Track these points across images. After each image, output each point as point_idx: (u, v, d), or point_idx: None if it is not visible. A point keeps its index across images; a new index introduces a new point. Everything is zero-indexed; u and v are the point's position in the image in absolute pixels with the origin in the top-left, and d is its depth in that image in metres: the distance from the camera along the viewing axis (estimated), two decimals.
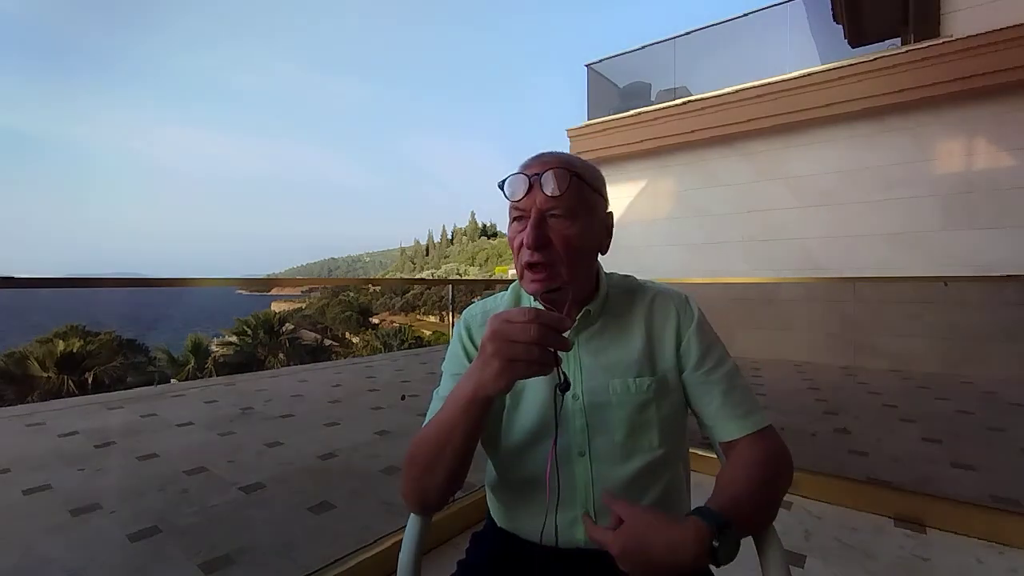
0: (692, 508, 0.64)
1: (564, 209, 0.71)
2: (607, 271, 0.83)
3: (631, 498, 0.72)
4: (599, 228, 0.76)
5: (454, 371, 0.79)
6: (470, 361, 0.76)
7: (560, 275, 0.72)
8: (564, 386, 0.62)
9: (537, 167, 0.72)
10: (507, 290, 0.87)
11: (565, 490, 0.73)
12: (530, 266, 0.71)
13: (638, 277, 0.87)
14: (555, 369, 0.58)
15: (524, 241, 0.70)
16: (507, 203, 0.75)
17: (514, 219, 0.73)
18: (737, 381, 0.77)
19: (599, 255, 0.79)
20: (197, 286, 1.60)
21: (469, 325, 0.83)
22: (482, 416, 0.63)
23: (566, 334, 0.74)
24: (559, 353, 0.59)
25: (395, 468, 2.68)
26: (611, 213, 0.79)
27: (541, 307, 0.74)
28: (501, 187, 0.73)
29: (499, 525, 0.82)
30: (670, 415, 0.76)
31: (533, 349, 0.55)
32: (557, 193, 0.69)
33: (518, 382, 0.61)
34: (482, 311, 0.85)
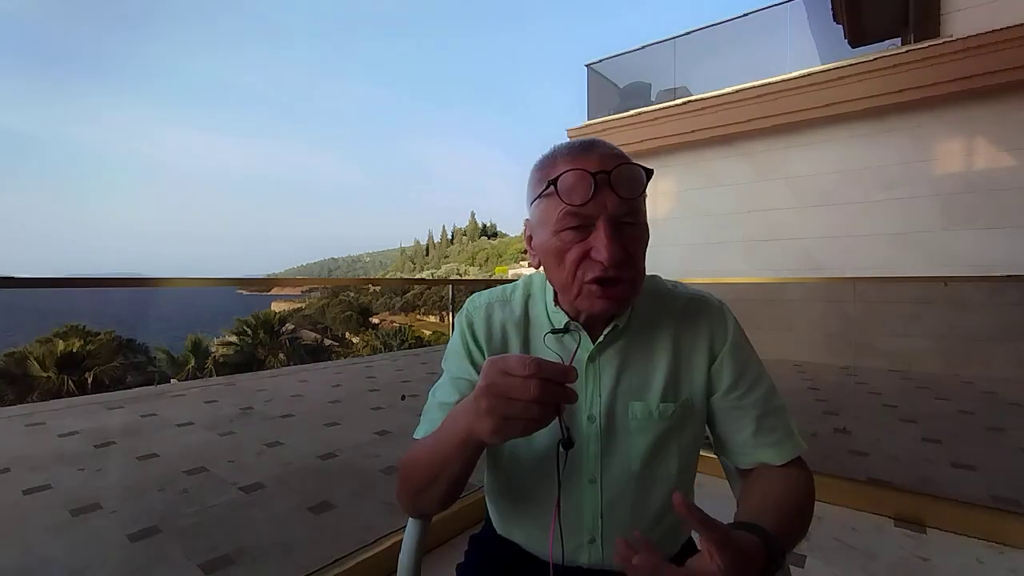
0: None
1: (636, 214, 0.61)
2: None
3: (641, 529, 0.68)
4: None
5: (455, 373, 0.73)
6: (472, 361, 0.72)
7: (636, 292, 0.64)
8: (567, 443, 0.55)
9: (598, 161, 0.60)
10: (516, 284, 0.78)
11: (570, 517, 0.68)
12: (603, 281, 0.60)
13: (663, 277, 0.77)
14: (557, 420, 0.51)
15: (599, 255, 0.59)
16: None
17: (569, 227, 0.60)
18: (772, 403, 0.69)
19: None
20: (197, 286, 1.61)
21: (472, 319, 0.74)
22: (478, 453, 0.59)
23: (581, 350, 0.69)
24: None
25: (395, 468, 2.67)
26: None
27: (560, 312, 0.69)
28: (552, 184, 0.60)
29: (498, 532, 0.79)
30: (691, 441, 0.70)
31: (532, 408, 0.47)
32: (633, 196, 0.59)
33: None
34: (487, 302, 0.76)
